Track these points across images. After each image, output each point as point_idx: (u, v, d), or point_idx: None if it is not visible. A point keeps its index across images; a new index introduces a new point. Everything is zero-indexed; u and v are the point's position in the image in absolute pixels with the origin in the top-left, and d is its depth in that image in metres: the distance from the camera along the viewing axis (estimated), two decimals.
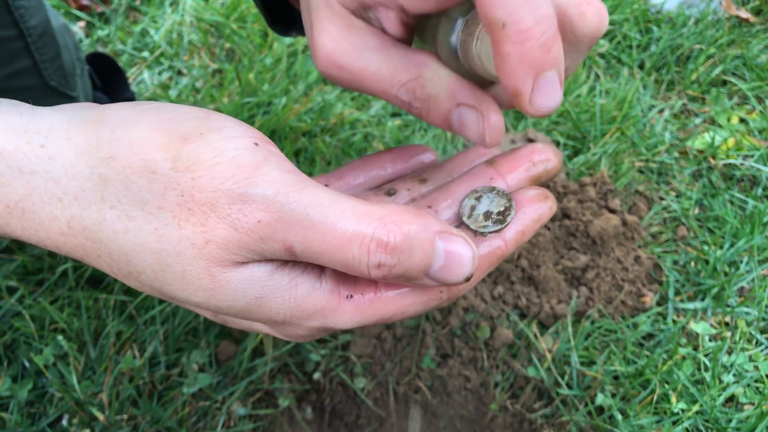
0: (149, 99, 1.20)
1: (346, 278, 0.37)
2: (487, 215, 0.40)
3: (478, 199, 0.40)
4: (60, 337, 0.83)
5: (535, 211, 0.41)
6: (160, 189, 0.33)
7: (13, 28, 0.83)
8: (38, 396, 0.81)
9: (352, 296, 0.37)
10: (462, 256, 0.35)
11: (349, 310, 0.37)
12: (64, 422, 0.79)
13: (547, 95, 0.32)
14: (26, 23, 0.84)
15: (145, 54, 1.30)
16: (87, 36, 1.34)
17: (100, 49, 1.32)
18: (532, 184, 0.43)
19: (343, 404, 0.85)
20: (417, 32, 0.44)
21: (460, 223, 0.41)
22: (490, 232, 0.39)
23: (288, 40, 1.27)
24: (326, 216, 0.33)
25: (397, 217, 0.34)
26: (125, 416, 0.79)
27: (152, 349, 0.84)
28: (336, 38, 0.40)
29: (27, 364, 0.82)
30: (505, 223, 0.39)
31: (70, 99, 0.95)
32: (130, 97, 1.16)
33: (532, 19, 0.31)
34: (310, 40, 0.41)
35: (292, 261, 0.36)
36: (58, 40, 0.92)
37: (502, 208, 0.40)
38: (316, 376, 0.86)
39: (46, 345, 0.83)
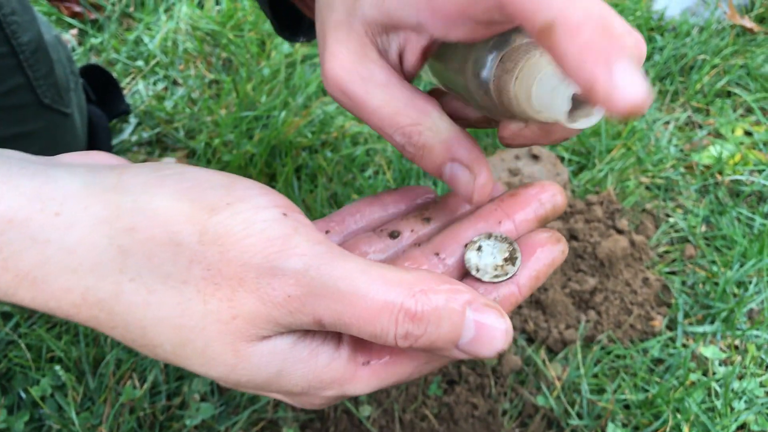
0: (145, 111, 1.17)
1: (363, 345, 0.36)
2: (495, 265, 0.39)
3: (479, 249, 0.39)
4: (57, 367, 0.81)
5: (548, 255, 0.40)
6: (185, 262, 0.32)
7: (4, 44, 0.80)
8: (35, 429, 0.79)
9: (369, 362, 0.36)
10: (495, 329, 0.34)
11: (366, 377, 0.36)
12: None
13: (631, 80, 0.26)
14: (18, 39, 0.82)
15: (140, 63, 1.27)
16: (80, 44, 1.30)
17: (94, 57, 1.29)
18: (540, 225, 0.43)
19: None
20: (436, 56, 0.42)
21: (466, 274, 0.40)
22: (503, 281, 0.38)
23: (286, 49, 1.25)
24: (356, 287, 0.32)
25: (425, 285, 0.33)
26: None
27: (153, 377, 0.81)
28: (346, 66, 0.39)
29: (23, 395, 0.80)
30: (516, 267, 0.38)
31: (64, 116, 0.93)
32: (125, 110, 1.13)
33: (581, 13, 0.27)
34: (322, 59, 0.41)
35: (313, 331, 0.35)
36: (51, 56, 0.90)
37: (507, 254, 0.39)
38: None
39: (43, 375, 0.81)
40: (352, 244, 0.43)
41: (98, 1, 1.36)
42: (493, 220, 0.42)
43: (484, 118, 0.43)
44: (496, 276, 0.38)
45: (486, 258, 0.39)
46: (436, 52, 0.41)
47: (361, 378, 0.36)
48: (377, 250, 0.42)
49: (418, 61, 0.40)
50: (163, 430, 0.80)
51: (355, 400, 0.84)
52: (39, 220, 0.32)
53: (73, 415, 0.78)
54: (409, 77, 0.41)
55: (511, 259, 0.39)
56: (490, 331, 0.33)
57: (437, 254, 0.41)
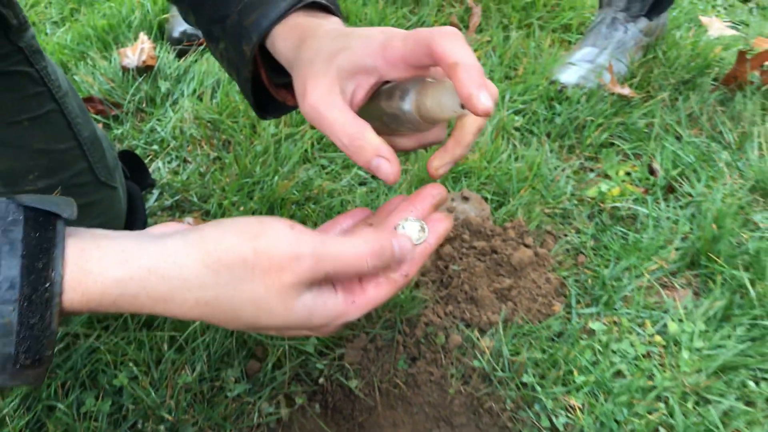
0: (165, 184, 1.51)
1: (348, 292, 0.59)
2: (417, 235, 0.67)
3: (404, 227, 0.67)
4: (131, 364, 1.12)
5: (445, 225, 0.66)
6: (250, 269, 0.53)
7: (73, 140, 1.09)
8: (116, 410, 1.10)
9: (354, 301, 0.59)
10: (406, 240, 0.63)
11: (354, 309, 0.59)
12: (139, 425, 1.08)
13: (487, 98, 0.53)
14: (81, 135, 1.10)
15: (155, 147, 1.61)
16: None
17: (117, 145, 1.63)
18: (435, 209, 0.68)
19: (342, 401, 1.15)
20: (369, 103, 0.65)
21: None
22: (422, 242, 0.68)
23: (272, 130, 1.61)
24: (343, 251, 0.55)
25: (375, 237, 0.58)
26: (187, 416, 1.08)
27: (199, 368, 1.13)
28: (321, 94, 0.61)
29: (107, 387, 1.11)
30: (426, 234, 0.67)
31: (113, 189, 1.23)
32: (151, 183, 1.46)
33: (471, 59, 0.55)
34: (303, 93, 0.62)
35: (322, 288, 0.57)
36: (102, 144, 1.22)
37: (420, 227, 0.64)
38: (321, 380, 1.16)
39: (120, 371, 1.12)
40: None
41: (117, 100, 1.72)
42: (407, 212, 0.66)
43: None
44: (419, 240, 0.69)
45: (410, 231, 0.68)
46: (371, 98, 0.64)
47: (353, 312, 0.62)
48: None
49: (362, 99, 0.64)
50: (210, 403, 1.11)
51: (345, 375, 1.16)
52: (164, 267, 0.51)
53: (145, 396, 1.09)
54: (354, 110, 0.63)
55: (422, 230, 0.68)
56: (405, 242, 0.62)
57: None
